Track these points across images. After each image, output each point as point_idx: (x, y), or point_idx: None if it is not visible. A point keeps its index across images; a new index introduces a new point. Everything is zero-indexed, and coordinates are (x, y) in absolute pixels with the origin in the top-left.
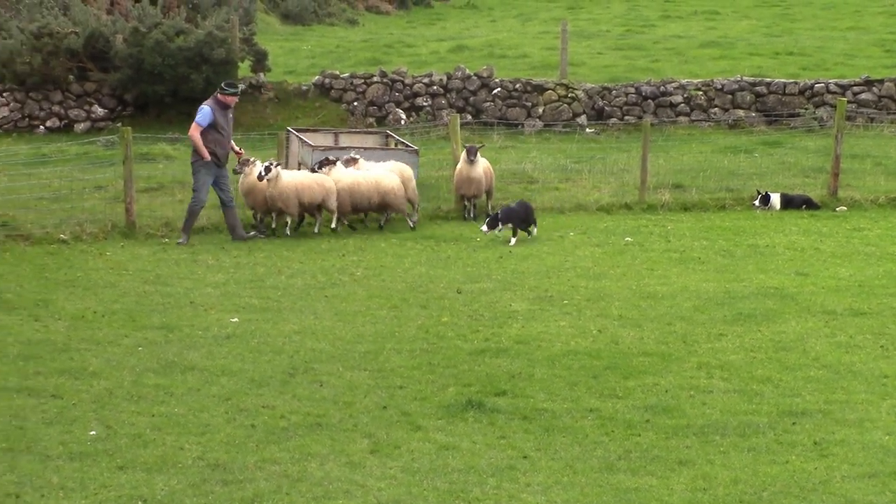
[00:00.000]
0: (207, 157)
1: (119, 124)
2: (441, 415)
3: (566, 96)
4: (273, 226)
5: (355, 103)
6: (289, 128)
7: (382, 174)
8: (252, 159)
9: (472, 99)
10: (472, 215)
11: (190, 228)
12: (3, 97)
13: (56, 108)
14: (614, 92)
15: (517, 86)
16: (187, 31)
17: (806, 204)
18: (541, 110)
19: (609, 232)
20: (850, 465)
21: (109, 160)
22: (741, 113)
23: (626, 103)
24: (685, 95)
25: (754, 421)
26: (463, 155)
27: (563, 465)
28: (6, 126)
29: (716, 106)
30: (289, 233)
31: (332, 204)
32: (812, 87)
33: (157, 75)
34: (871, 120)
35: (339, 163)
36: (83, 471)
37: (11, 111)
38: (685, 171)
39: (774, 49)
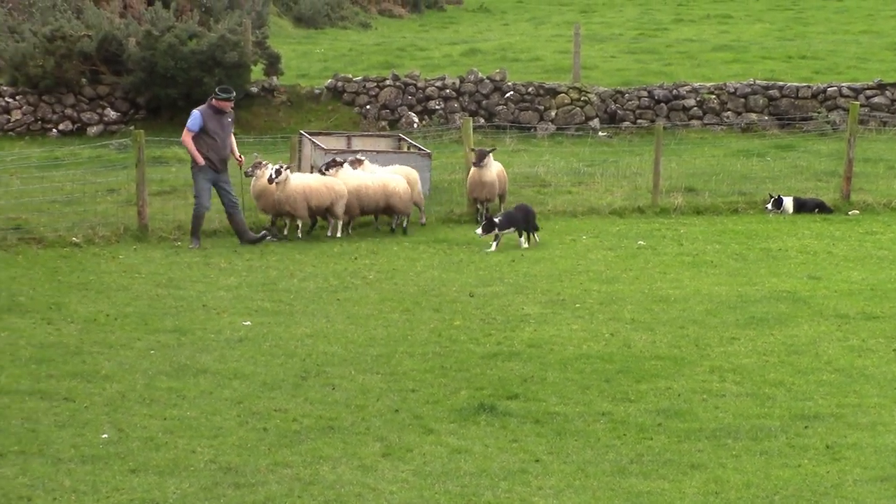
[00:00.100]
0: (201, 161)
1: (132, 127)
2: (453, 418)
3: (579, 100)
4: (286, 230)
5: (368, 107)
6: (301, 131)
7: (389, 177)
8: (264, 162)
9: (484, 102)
10: (484, 219)
11: (198, 233)
12: (15, 100)
13: (69, 112)
14: (627, 95)
15: (530, 89)
16: (200, 34)
17: (818, 207)
18: (553, 114)
19: (621, 235)
20: (862, 469)
21: (122, 163)
22: (754, 116)
23: (638, 107)
24: (698, 99)
25: (766, 424)
26: (472, 159)
27: (575, 469)
28: (19, 129)
29: (728, 109)
30: (300, 236)
31: (340, 209)
32: (825, 90)
33: (169, 78)
34: (884, 123)
35: (346, 165)
36: (95, 474)
37: (24, 114)
38: (698, 174)
39: (787, 53)
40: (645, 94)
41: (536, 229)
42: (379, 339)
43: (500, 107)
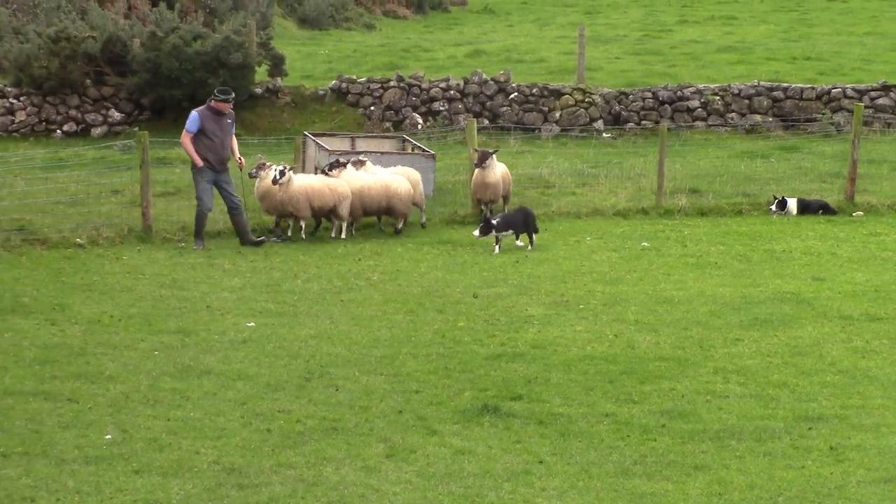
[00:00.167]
0: (199, 162)
1: (136, 129)
2: (457, 419)
3: (583, 101)
4: (289, 232)
5: (372, 108)
6: (306, 132)
7: (391, 177)
8: (268, 163)
9: (488, 103)
10: (482, 220)
11: (201, 234)
12: (20, 101)
13: (73, 113)
14: (631, 97)
15: (534, 90)
16: (204, 35)
17: (822, 209)
18: (558, 115)
19: (625, 237)
20: (865, 471)
21: (126, 164)
22: (758, 118)
23: (643, 108)
24: (702, 100)
25: (770, 426)
26: (474, 160)
27: (579, 470)
28: (23, 130)
29: (733, 111)
30: (304, 237)
31: (344, 210)
32: (829, 91)
33: (174, 79)
34: (889, 125)
35: (349, 165)
36: (99, 475)
37: (29, 115)
38: (702, 175)
39: (792, 54)
40: (649, 95)
41: (536, 231)
42: (383, 340)
43: (505, 108)
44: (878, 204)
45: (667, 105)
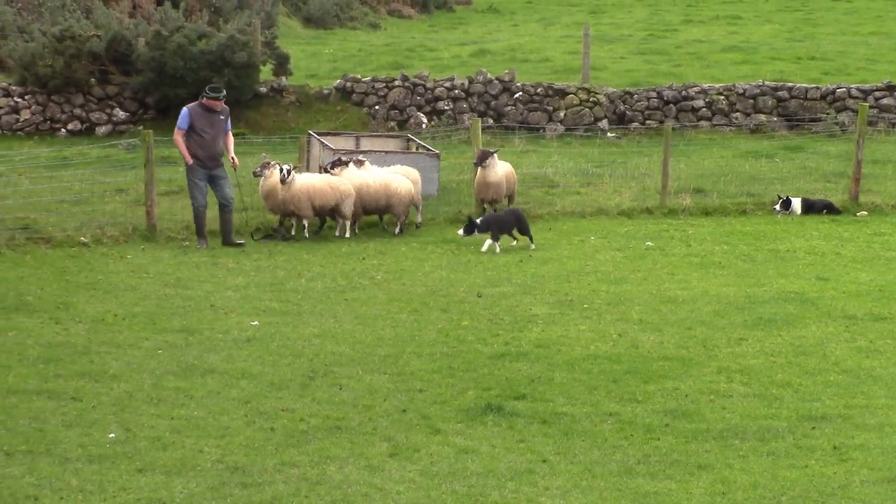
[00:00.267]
0: (189, 160)
1: (140, 127)
2: (460, 418)
3: (588, 100)
4: (293, 230)
5: (377, 107)
6: (310, 131)
7: (391, 176)
8: (272, 162)
9: (493, 103)
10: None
11: (203, 232)
12: (25, 100)
13: (77, 111)
14: (636, 96)
15: (539, 90)
16: (209, 34)
17: (827, 209)
18: (562, 114)
19: (630, 236)
20: (869, 470)
21: (131, 163)
22: (763, 117)
23: (647, 108)
24: (707, 100)
25: (774, 425)
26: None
27: (582, 469)
28: (28, 129)
29: (737, 110)
30: (307, 235)
31: (348, 209)
32: (834, 91)
33: (178, 79)
34: (893, 125)
35: (351, 164)
36: (102, 473)
37: (33, 114)
38: (706, 175)
39: (796, 54)
40: (654, 94)
41: (526, 234)
42: (387, 339)
43: (509, 107)
44: (882, 204)
45: (671, 105)
